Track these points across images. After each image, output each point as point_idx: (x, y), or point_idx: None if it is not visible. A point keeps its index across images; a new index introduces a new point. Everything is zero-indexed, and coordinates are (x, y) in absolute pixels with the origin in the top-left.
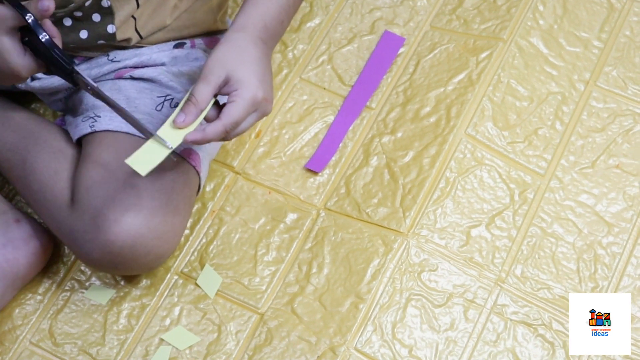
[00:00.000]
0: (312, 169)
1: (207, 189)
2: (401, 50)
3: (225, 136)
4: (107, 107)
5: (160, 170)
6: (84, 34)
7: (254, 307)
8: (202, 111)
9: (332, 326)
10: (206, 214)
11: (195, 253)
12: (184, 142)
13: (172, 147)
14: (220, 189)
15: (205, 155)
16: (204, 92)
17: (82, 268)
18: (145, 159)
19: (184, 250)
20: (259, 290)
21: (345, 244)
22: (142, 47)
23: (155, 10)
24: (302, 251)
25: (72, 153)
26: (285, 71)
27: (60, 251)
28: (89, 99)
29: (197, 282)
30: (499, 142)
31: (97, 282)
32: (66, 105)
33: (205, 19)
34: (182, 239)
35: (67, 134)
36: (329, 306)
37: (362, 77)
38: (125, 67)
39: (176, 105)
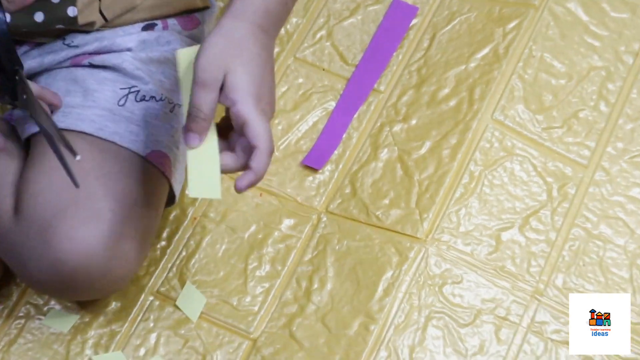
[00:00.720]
0: (311, 166)
1: (187, 192)
2: (414, 21)
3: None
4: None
5: (122, 176)
6: (39, 17)
7: (244, 331)
8: (211, 123)
9: (339, 352)
10: (186, 222)
11: (174, 269)
12: (240, 191)
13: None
14: None
15: (178, 157)
16: (208, 102)
17: None
18: (204, 179)
19: (161, 266)
20: (251, 311)
21: (351, 254)
22: (104, 29)
23: None
24: (300, 263)
25: (19, 154)
26: (276, 50)
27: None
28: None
29: (177, 303)
30: (533, 127)
31: (57, 307)
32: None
33: None
34: (159, 251)
35: (15, 131)
36: (334, 328)
37: (367, 55)
38: (85, 54)
39: (143, 99)
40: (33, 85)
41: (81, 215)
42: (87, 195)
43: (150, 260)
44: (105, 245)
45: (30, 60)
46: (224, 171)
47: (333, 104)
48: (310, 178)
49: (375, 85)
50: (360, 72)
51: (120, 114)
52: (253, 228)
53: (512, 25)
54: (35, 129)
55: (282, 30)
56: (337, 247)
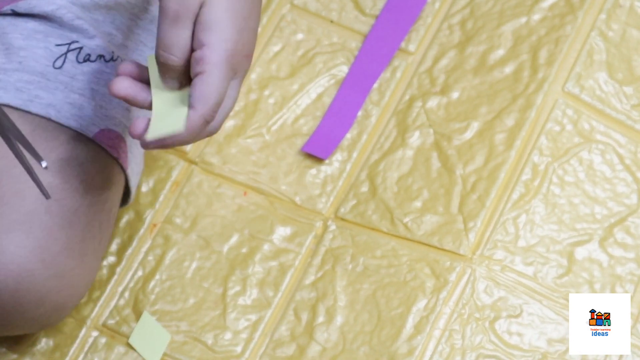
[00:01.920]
0: (314, 154)
1: (144, 189)
2: None
3: (209, 131)
4: None
5: (63, 165)
6: None
7: None
8: (183, 68)
9: None
10: (142, 230)
11: (127, 294)
12: (138, 139)
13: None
14: (165, 188)
15: (136, 142)
16: (181, 41)
17: None
18: (169, 115)
19: (108, 290)
20: (232, 353)
21: (370, 276)
22: None
23: None
24: (300, 288)
25: None
26: None
27: None
28: None
29: (130, 340)
30: (618, 104)
31: None
32: None
33: None
34: (105, 270)
35: None
36: None
37: (391, 3)
38: None
39: (87, 60)
40: None
41: (7, 222)
42: (14, 194)
43: (93, 282)
44: (42, 261)
45: None
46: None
47: (345, 69)
48: (313, 171)
49: (403, 44)
50: (382, 25)
51: (57, 79)
52: (234, 239)
53: None
54: None
55: None
56: (350, 267)
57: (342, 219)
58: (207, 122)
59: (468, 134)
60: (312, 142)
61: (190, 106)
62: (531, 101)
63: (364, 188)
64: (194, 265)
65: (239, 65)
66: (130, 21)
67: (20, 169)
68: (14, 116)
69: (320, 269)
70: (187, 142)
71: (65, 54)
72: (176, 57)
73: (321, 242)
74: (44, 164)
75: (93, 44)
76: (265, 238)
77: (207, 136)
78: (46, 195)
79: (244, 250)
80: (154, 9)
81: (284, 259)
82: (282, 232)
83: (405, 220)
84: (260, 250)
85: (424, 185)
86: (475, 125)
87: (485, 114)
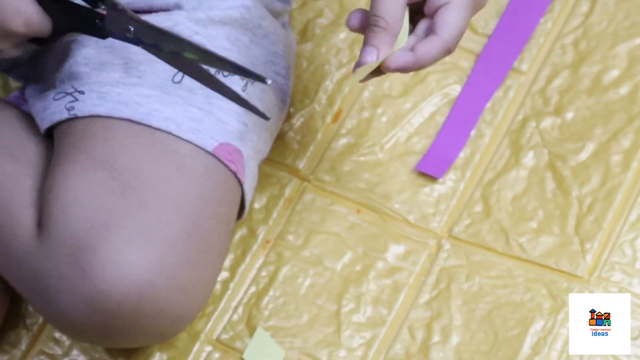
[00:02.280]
0: (428, 173)
1: (256, 205)
2: None
3: (446, 55)
4: (95, 77)
5: (182, 178)
6: None
7: None
8: (396, 37)
9: None
10: (255, 247)
11: (240, 309)
12: (388, 70)
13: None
14: (278, 206)
15: (252, 153)
16: (395, 6)
17: (57, 336)
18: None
19: (221, 305)
20: None
21: (486, 295)
22: None
23: None
24: (414, 307)
25: (39, 151)
26: None
27: (21, 310)
28: (69, 60)
29: (244, 356)
30: None
31: (82, 358)
32: (31, 71)
33: None
34: (219, 286)
35: (29, 119)
36: None
37: (504, 22)
38: None
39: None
40: None
41: (129, 233)
42: (137, 205)
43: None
44: (163, 273)
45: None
46: (398, 70)
47: (458, 88)
48: (427, 190)
49: (516, 64)
50: (495, 44)
51: (176, 93)
52: (348, 256)
53: None
54: (61, 115)
55: None
56: (465, 286)
57: (457, 238)
58: (449, 50)
59: (583, 155)
60: (425, 161)
61: (433, 32)
62: None
63: (478, 207)
64: (307, 282)
65: (480, 1)
66: (244, 36)
67: (138, 182)
68: (132, 130)
69: (435, 287)
70: (425, 67)
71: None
72: (383, 20)
73: (435, 260)
74: (269, 82)
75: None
76: (378, 256)
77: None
78: (265, 116)
79: (357, 267)
80: (267, 24)
81: (398, 277)
82: (395, 250)
83: (521, 240)
84: (374, 268)
85: (539, 205)
86: (590, 146)
87: (601, 134)
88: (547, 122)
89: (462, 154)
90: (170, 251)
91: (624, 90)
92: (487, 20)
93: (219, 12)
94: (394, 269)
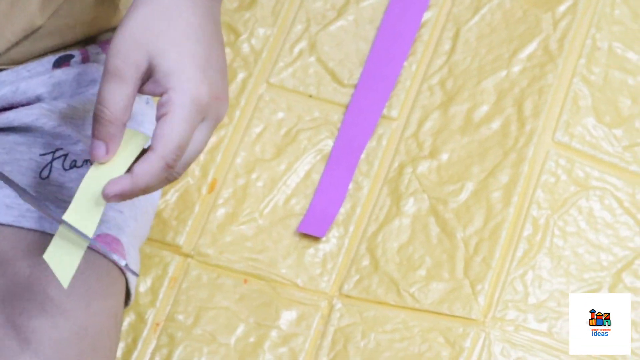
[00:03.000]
0: (310, 234)
1: (142, 288)
2: (426, 16)
3: (169, 174)
4: None
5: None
6: None
7: None
8: (124, 128)
9: None
10: (146, 332)
11: None
12: (107, 199)
13: (90, 237)
14: (164, 286)
15: (131, 239)
16: (118, 98)
17: None
18: (64, 258)
19: None
20: None
21: (383, 351)
22: (0, 70)
23: (14, 3)
24: None
25: None
26: (241, 75)
27: None
28: None
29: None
30: (610, 147)
31: None
32: None
33: (103, 10)
34: None
35: None
36: None
37: (368, 70)
38: None
39: (73, 166)
40: None
41: (14, 341)
42: (20, 312)
43: None
44: None
45: None
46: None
47: (330, 142)
48: (311, 251)
49: (385, 111)
50: (362, 94)
51: (46, 189)
52: (241, 329)
53: (563, 7)
54: None
55: (245, 47)
56: (362, 344)
57: (348, 296)
58: (168, 165)
59: (463, 196)
60: (306, 222)
61: (150, 148)
62: (523, 155)
63: (365, 262)
64: None
65: (208, 107)
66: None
67: (26, 284)
68: (4, 233)
69: (332, 349)
70: (148, 189)
71: (51, 162)
72: (109, 111)
73: (329, 322)
74: (122, 263)
75: (78, 149)
76: (271, 324)
77: (169, 183)
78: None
79: (251, 339)
80: (138, 108)
81: (293, 344)
82: (288, 316)
83: (412, 290)
84: (268, 337)
85: (426, 252)
86: (469, 186)
87: (478, 173)
88: (423, 167)
89: (342, 209)
90: (60, 356)
91: (495, 125)
92: (351, 70)
93: (81, 100)
94: (288, 336)
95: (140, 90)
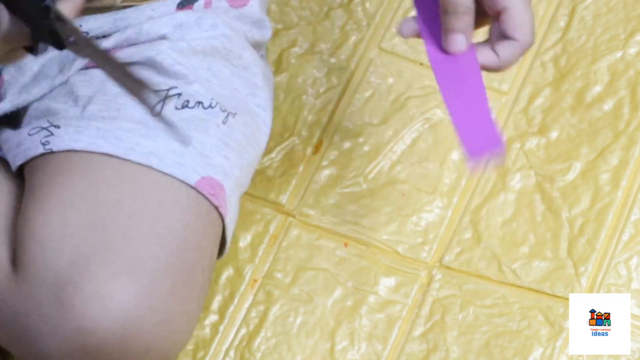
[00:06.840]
0: (486, 153)
1: (241, 244)
2: None
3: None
4: (73, 112)
5: (165, 211)
6: None
7: None
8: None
9: None
10: (243, 287)
11: (232, 352)
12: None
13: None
14: (264, 243)
15: (234, 187)
16: None
17: None
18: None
19: (212, 350)
20: None
21: (482, 325)
22: (124, 7)
23: None
24: (410, 340)
25: (10, 188)
26: (353, 38)
27: None
28: (45, 97)
29: None
30: None
31: None
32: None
33: None
34: (208, 329)
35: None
36: None
37: None
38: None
39: (185, 106)
40: None
41: (113, 267)
42: (119, 238)
43: (196, 342)
44: (149, 306)
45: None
46: (484, 67)
47: (438, 112)
48: (414, 219)
49: (496, 84)
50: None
51: (157, 126)
52: (338, 292)
53: None
54: (36, 150)
55: (360, 10)
56: (460, 316)
57: (448, 267)
58: (528, 50)
59: (571, 175)
60: (471, 145)
61: (509, 38)
62: (634, 138)
63: (468, 234)
64: (298, 320)
65: None
66: (225, 68)
67: (121, 215)
68: (113, 164)
69: (429, 319)
70: (501, 69)
71: (164, 99)
72: (463, 4)
73: (428, 292)
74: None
75: (192, 90)
76: (370, 290)
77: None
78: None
79: (349, 303)
80: (247, 55)
81: (390, 311)
82: (386, 283)
83: (514, 266)
84: (365, 302)
85: (530, 229)
86: (577, 166)
87: (588, 153)
88: (531, 143)
89: (447, 180)
90: (156, 284)
91: (607, 106)
92: None
93: (201, 41)
94: (386, 302)
95: None
